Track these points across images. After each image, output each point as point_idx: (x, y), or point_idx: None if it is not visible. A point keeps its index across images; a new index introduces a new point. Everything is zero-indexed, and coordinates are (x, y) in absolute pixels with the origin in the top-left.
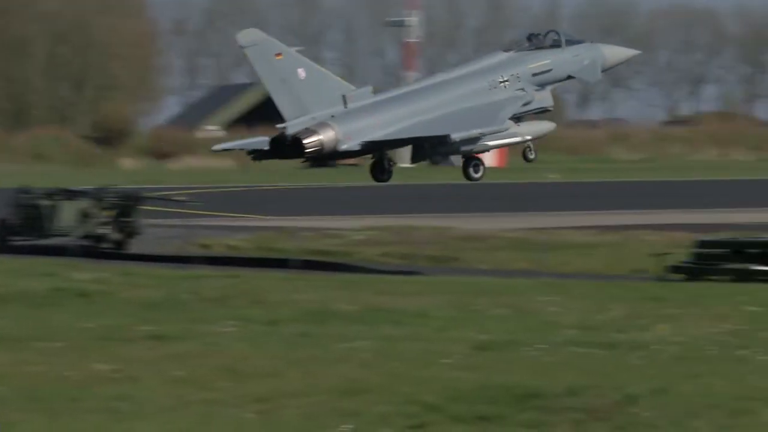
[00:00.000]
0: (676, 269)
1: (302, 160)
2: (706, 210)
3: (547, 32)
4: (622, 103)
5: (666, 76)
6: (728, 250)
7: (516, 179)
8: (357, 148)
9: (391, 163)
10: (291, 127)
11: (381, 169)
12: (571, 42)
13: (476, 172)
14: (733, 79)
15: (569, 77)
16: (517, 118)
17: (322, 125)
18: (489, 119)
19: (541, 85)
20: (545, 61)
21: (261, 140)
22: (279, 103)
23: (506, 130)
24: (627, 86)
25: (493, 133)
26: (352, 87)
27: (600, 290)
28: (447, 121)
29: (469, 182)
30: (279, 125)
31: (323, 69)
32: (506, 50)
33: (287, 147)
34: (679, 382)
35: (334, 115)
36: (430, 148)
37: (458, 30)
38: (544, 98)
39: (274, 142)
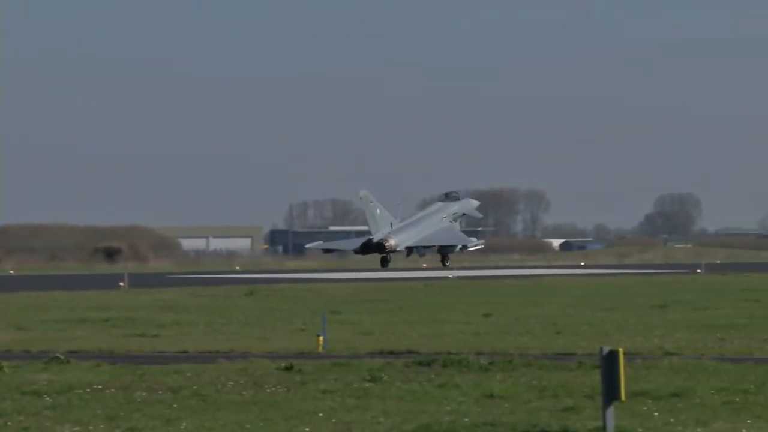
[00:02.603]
0: None
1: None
2: None
3: (452, 191)
4: None
5: None
6: None
7: None
8: (403, 249)
9: (388, 259)
10: (375, 237)
11: (384, 261)
12: (463, 196)
13: (447, 261)
14: None
15: (464, 214)
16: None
17: (390, 236)
18: (460, 236)
19: (455, 220)
20: (456, 207)
21: (350, 242)
22: (370, 226)
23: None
24: None
25: (475, 244)
26: (393, 217)
27: None
28: (437, 236)
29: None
30: (369, 237)
31: (383, 208)
32: (440, 200)
33: (372, 248)
34: None
35: (390, 231)
36: (438, 249)
37: None
38: (457, 226)
39: (364, 245)
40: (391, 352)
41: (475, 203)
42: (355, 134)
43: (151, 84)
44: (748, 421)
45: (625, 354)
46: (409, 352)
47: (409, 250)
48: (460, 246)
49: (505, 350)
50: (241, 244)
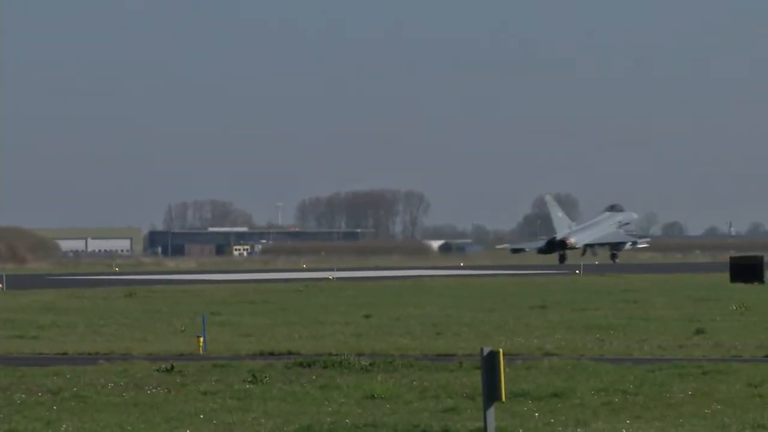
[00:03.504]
0: None
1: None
2: None
3: (616, 204)
4: None
5: None
6: None
7: None
8: (580, 246)
9: (566, 256)
10: (558, 235)
11: (562, 258)
12: (624, 209)
13: (616, 258)
14: None
15: (627, 224)
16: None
17: (570, 235)
18: (629, 237)
19: (620, 227)
20: (621, 217)
21: (536, 243)
22: (555, 225)
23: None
24: None
25: (642, 242)
26: (569, 220)
27: None
28: (612, 236)
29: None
30: (554, 235)
31: (563, 213)
32: (606, 211)
33: (555, 245)
34: None
35: (569, 232)
36: (610, 247)
37: None
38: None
39: (549, 243)
40: (271, 354)
41: (635, 215)
42: (227, 135)
43: (27, 84)
44: (628, 421)
45: (505, 354)
46: (290, 353)
47: (585, 248)
48: (630, 243)
49: (386, 351)
50: (120, 245)
